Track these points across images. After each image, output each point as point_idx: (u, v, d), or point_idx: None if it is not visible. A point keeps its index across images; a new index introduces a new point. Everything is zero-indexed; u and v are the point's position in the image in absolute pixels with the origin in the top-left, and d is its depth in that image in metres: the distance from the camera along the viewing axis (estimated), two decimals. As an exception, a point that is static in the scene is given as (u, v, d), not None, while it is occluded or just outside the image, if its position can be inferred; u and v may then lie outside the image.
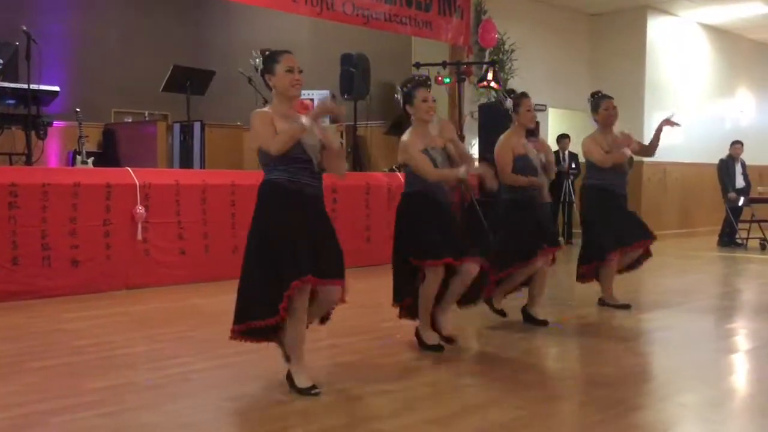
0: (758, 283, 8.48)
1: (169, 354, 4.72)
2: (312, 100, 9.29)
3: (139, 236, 7.13)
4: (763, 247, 11.58)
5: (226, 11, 13.00)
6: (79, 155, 9.12)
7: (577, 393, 4.12)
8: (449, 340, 4.76)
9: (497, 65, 10.95)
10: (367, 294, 6.00)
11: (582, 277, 6.37)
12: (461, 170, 4.55)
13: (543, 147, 5.68)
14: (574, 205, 11.88)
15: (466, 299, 4.83)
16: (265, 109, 3.90)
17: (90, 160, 9.14)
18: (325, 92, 10.69)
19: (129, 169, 7.44)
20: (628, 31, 13.49)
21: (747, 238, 11.81)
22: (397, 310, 4.86)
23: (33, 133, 7.98)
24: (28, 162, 7.91)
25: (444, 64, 10.75)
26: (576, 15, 13.49)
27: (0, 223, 6.38)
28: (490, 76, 10.62)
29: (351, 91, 11.13)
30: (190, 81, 9.08)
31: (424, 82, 4.70)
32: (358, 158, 11.32)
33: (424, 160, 4.57)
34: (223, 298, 6.67)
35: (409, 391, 4.04)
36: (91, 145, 9.98)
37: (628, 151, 6.19)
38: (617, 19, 13.54)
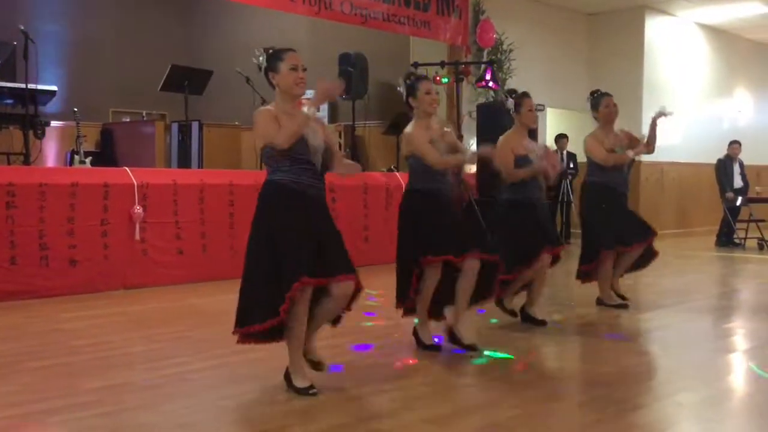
0: (756, 282, 8.49)
1: (167, 354, 4.72)
2: (309, 99, 9.36)
3: (137, 236, 7.13)
4: (761, 247, 11.59)
5: (224, 11, 13.01)
6: (76, 155, 9.12)
7: (575, 392, 4.13)
8: (472, 347, 4.69)
9: (495, 65, 10.95)
10: (364, 294, 5.98)
11: (584, 276, 6.36)
12: (466, 155, 4.55)
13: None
14: (573, 205, 11.89)
15: (479, 295, 4.76)
16: (269, 107, 3.89)
17: (88, 160, 9.13)
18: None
19: (127, 168, 7.44)
20: (626, 31, 13.49)
21: (745, 238, 11.82)
22: (395, 310, 4.85)
23: (31, 132, 7.99)
24: (26, 162, 7.90)
25: (442, 64, 10.75)
26: (574, 15, 13.49)
27: (-3, 223, 6.38)
28: (488, 76, 10.62)
29: (349, 90, 11.12)
30: (188, 81, 9.08)
31: (426, 76, 4.72)
32: (356, 158, 11.31)
33: (430, 148, 4.56)
34: (221, 298, 6.70)
35: (408, 391, 4.04)
36: (88, 145, 9.99)
37: (631, 153, 6.18)
38: (615, 19, 13.55)
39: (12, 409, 3.56)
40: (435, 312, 4.84)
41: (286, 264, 3.66)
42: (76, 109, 9.20)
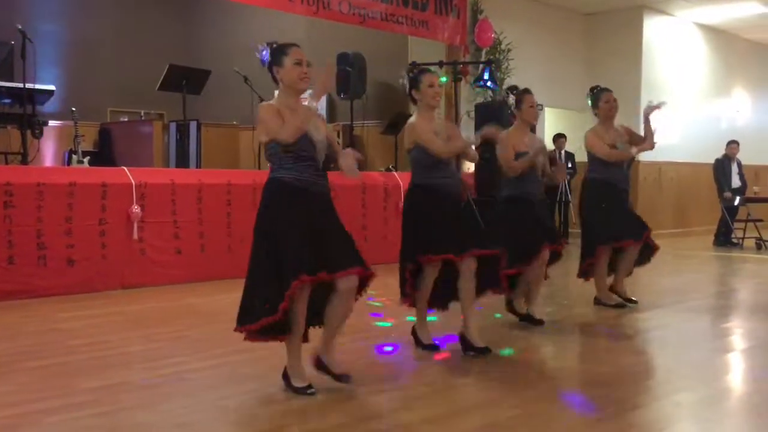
0: (754, 282, 8.49)
1: (165, 353, 4.71)
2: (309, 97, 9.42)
3: (135, 236, 7.12)
4: (758, 247, 11.59)
5: (222, 10, 13.00)
6: (74, 154, 9.11)
7: (573, 392, 4.12)
8: (483, 350, 4.65)
9: (494, 65, 10.95)
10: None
11: (584, 275, 6.35)
12: (470, 139, 4.52)
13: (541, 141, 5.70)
14: (571, 204, 11.88)
15: (484, 288, 4.70)
16: (272, 101, 3.87)
17: (86, 160, 9.13)
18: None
19: (125, 168, 7.43)
20: (624, 30, 13.50)
21: (743, 238, 11.83)
22: (395, 308, 4.83)
23: (29, 132, 7.97)
24: (24, 161, 7.89)
25: (440, 64, 10.74)
26: (572, 15, 13.49)
27: (-5, 223, 6.37)
28: (486, 75, 10.62)
29: (347, 90, 11.12)
30: (186, 80, 9.07)
31: (430, 69, 4.70)
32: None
33: (433, 137, 4.54)
34: (219, 298, 6.71)
35: (406, 391, 4.04)
36: (86, 145, 9.98)
37: (634, 150, 6.15)
38: (613, 18, 13.55)
39: (9, 409, 3.55)
40: (440, 305, 4.83)
41: (286, 262, 3.64)
42: (74, 109, 9.20)
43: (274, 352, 4.10)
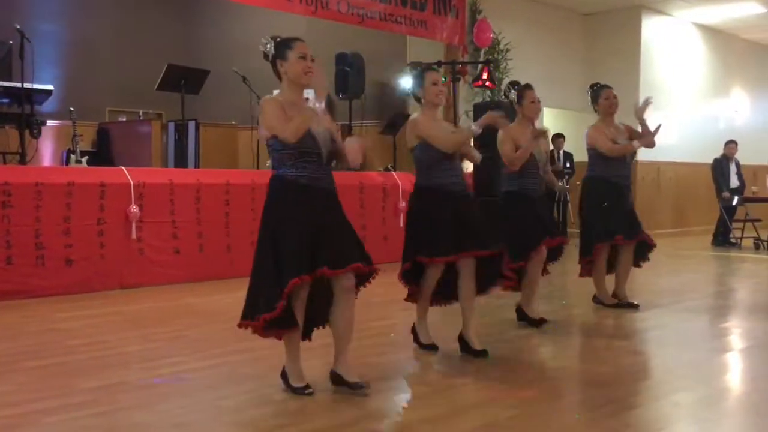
0: (752, 282, 8.50)
1: (163, 353, 4.71)
2: (307, 99, 9.46)
3: (134, 235, 7.12)
4: (757, 247, 11.60)
5: (221, 10, 13.00)
6: (73, 154, 9.10)
7: (571, 392, 4.13)
8: (480, 353, 4.62)
9: (492, 65, 10.96)
10: (360, 293, 5.98)
11: (584, 273, 6.34)
12: (472, 127, 4.51)
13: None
14: (569, 204, 11.88)
15: (485, 285, 4.68)
16: (275, 96, 3.85)
17: (84, 159, 9.11)
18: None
19: (123, 168, 7.43)
20: (622, 30, 13.51)
21: (741, 238, 11.84)
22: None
23: (27, 132, 7.96)
24: (22, 161, 7.88)
25: (439, 64, 10.74)
26: (570, 14, 13.51)
27: (-7, 223, 6.37)
28: (485, 75, 10.63)
29: (346, 90, 11.12)
30: (184, 80, 9.07)
31: (434, 67, 4.67)
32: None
33: (437, 131, 4.51)
34: (218, 298, 6.71)
35: (404, 391, 4.04)
36: (85, 144, 9.96)
37: (636, 143, 6.09)
38: (611, 18, 13.56)
39: (8, 409, 3.55)
40: (440, 302, 4.83)
41: (285, 261, 3.64)
42: (72, 109, 9.18)
43: (273, 352, 4.10)
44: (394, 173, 9.72)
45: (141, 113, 11.84)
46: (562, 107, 12.94)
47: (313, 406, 3.67)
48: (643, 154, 6.70)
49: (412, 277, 4.61)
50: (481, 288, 4.69)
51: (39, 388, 3.92)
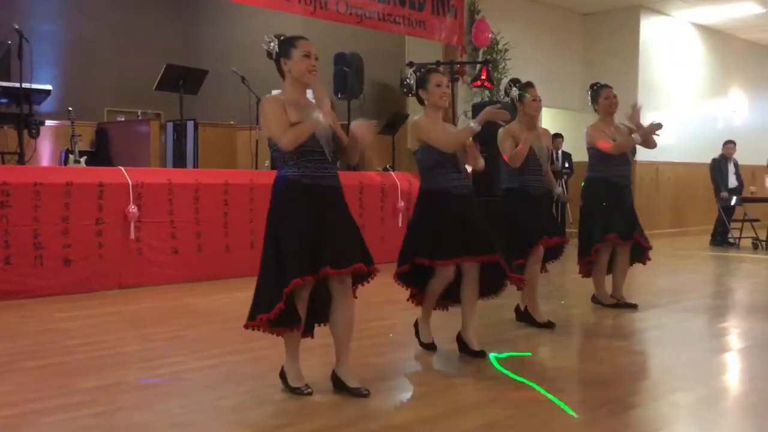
0: (750, 282, 8.50)
1: (162, 353, 4.71)
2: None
3: (132, 235, 7.11)
4: (755, 247, 11.61)
5: (219, 10, 12.99)
6: (71, 154, 9.09)
7: (570, 392, 4.12)
8: (479, 354, 4.63)
9: (491, 65, 10.96)
10: (359, 293, 5.98)
11: (583, 273, 6.34)
12: (471, 124, 4.49)
13: (544, 135, 5.67)
14: (567, 204, 11.88)
15: (488, 289, 4.70)
16: (277, 94, 3.84)
17: (82, 159, 9.10)
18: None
19: (122, 168, 7.42)
20: (621, 30, 13.52)
21: (739, 238, 11.85)
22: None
23: (25, 132, 7.96)
24: (21, 161, 7.87)
25: (437, 64, 10.73)
26: (569, 14, 13.51)
27: (-8, 223, 6.36)
28: (483, 75, 10.63)
29: (344, 90, 11.12)
30: (183, 80, 9.06)
31: (438, 69, 4.66)
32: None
33: (438, 133, 4.49)
34: (216, 298, 6.71)
35: (402, 391, 4.04)
36: (83, 144, 9.94)
37: (638, 138, 6.05)
38: (610, 18, 13.57)
39: (6, 409, 3.55)
40: (442, 306, 4.82)
41: (287, 261, 3.63)
42: (70, 109, 9.17)
43: (272, 352, 4.10)
44: (392, 173, 9.72)
45: (139, 113, 11.83)
46: (561, 107, 12.95)
47: (313, 406, 3.67)
48: (642, 155, 6.69)
49: (411, 279, 4.60)
50: (484, 292, 4.70)
51: (37, 388, 3.92)
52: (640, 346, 5.34)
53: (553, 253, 5.61)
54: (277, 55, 3.79)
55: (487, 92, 11.16)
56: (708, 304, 6.92)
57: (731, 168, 12.22)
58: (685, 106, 14.30)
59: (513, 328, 5.52)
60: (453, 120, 10.53)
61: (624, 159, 6.17)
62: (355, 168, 8.52)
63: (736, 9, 13.41)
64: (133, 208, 7.10)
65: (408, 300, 4.79)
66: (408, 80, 4.62)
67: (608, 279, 6.35)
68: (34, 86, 8.16)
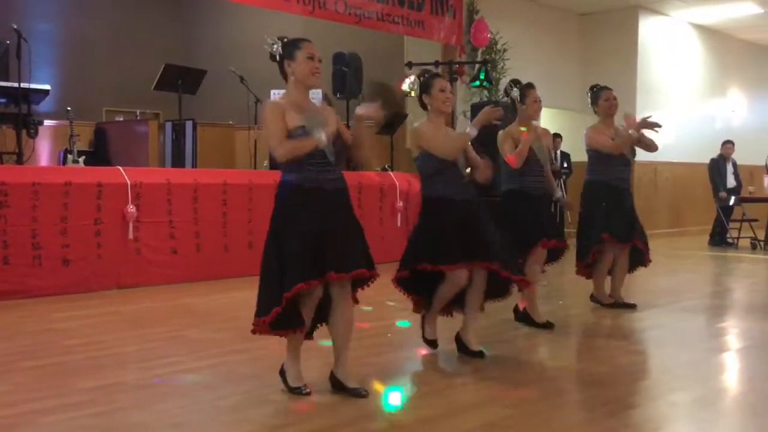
0: (749, 282, 8.51)
1: (160, 353, 4.70)
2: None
3: (131, 235, 7.11)
4: (753, 247, 11.62)
5: (218, 10, 12.99)
6: (70, 154, 9.09)
7: (569, 392, 4.13)
8: (477, 354, 4.62)
9: (489, 65, 10.96)
10: (358, 294, 5.98)
11: (581, 273, 6.33)
12: (468, 129, 4.49)
13: (544, 135, 5.67)
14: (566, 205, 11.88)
15: (494, 294, 4.71)
16: (278, 99, 3.83)
17: (81, 159, 9.10)
18: (318, 92, 10.67)
19: (120, 168, 7.41)
20: (619, 30, 13.52)
21: (738, 238, 11.85)
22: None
23: (24, 131, 7.95)
24: (19, 161, 7.87)
25: (436, 64, 10.75)
26: (567, 15, 13.51)
27: (-10, 223, 6.36)
28: (482, 75, 10.63)
29: (343, 90, 11.11)
30: (181, 80, 9.06)
31: (441, 74, 4.64)
32: (350, 157, 11.29)
33: (438, 139, 4.47)
34: (215, 298, 6.71)
35: (402, 391, 4.04)
36: (82, 144, 9.94)
37: (635, 133, 5.99)
38: (608, 18, 13.57)
39: (5, 409, 3.55)
40: (446, 312, 4.80)
41: (289, 265, 3.62)
42: (69, 108, 9.17)
43: (271, 352, 4.10)
44: (391, 173, 9.72)
45: (138, 113, 11.83)
46: (559, 107, 12.95)
47: (312, 406, 3.67)
48: (641, 155, 6.68)
49: (411, 286, 4.60)
50: (491, 295, 4.70)
51: (36, 388, 3.92)
52: (639, 346, 5.34)
53: (553, 256, 5.61)
54: (280, 57, 3.79)
55: (485, 92, 11.16)
56: (706, 304, 6.93)
57: (730, 168, 12.23)
58: (684, 106, 14.31)
59: (512, 328, 5.52)
60: (452, 119, 10.53)
61: (623, 161, 6.18)
62: (353, 168, 8.51)
63: (735, 9, 13.41)
64: (131, 208, 7.09)
65: (413, 311, 4.77)
66: (409, 82, 4.53)
67: (607, 280, 6.36)
68: (33, 86, 8.16)
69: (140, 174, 7.41)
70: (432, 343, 4.74)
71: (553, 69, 12.79)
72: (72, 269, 6.76)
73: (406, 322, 5.47)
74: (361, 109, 3.88)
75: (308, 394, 3.77)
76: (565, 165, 12.15)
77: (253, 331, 3.77)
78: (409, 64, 10.76)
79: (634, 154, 6.38)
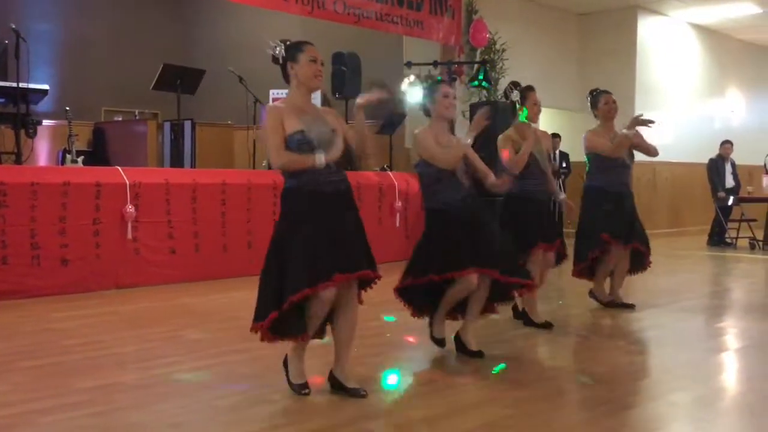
0: (748, 282, 8.51)
1: (159, 353, 4.70)
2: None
3: (129, 235, 7.10)
4: (752, 247, 11.62)
5: (217, 10, 12.99)
6: (68, 154, 9.08)
7: (568, 392, 4.13)
8: (476, 354, 4.62)
9: (488, 65, 10.96)
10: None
11: (577, 274, 6.33)
12: (465, 140, 4.49)
13: (544, 137, 5.67)
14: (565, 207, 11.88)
15: (497, 298, 4.72)
16: (278, 103, 3.83)
17: (80, 159, 9.09)
18: (317, 92, 10.67)
19: (119, 168, 7.41)
20: (618, 30, 13.52)
21: (736, 238, 11.86)
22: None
23: (22, 131, 7.94)
24: (18, 161, 7.86)
25: (435, 64, 10.75)
26: (566, 15, 13.51)
27: (-11, 222, 6.35)
28: (481, 75, 10.63)
29: (342, 90, 11.10)
30: (180, 80, 9.05)
31: (445, 80, 4.65)
32: (349, 157, 11.29)
33: (437, 149, 4.47)
34: (214, 297, 6.70)
35: (401, 391, 4.03)
36: (80, 144, 9.94)
37: (631, 133, 5.97)
38: (607, 18, 13.58)
39: (4, 409, 3.54)
40: (451, 316, 4.79)
41: (288, 273, 3.62)
42: (68, 108, 9.16)
43: (270, 352, 4.10)
44: (390, 173, 9.72)
45: (137, 113, 11.82)
46: (558, 107, 12.95)
47: (311, 405, 3.67)
48: (640, 155, 6.67)
49: (413, 295, 4.60)
50: (495, 299, 4.70)
51: (35, 388, 3.91)
52: (638, 346, 5.34)
53: (556, 260, 5.62)
54: (283, 60, 3.79)
55: (484, 92, 11.16)
56: (705, 304, 6.93)
57: (728, 168, 12.24)
58: (682, 107, 14.31)
59: (511, 328, 5.52)
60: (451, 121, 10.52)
61: (623, 164, 6.19)
62: (352, 168, 8.51)
63: (733, 9, 13.42)
64: (130, 208, 7.09)
65: (412, 315, 4.77)
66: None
67: (606, 281, 6.36)
68: (31, 86, 8.15)
69: (139, 174, 7.41)
70: (440, 342, 4.74)
71: (551, 69, 12.79)
72: (71, 269, 6.75)
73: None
74: (361, 99, 3.88)
75: (307, 394, 3.77)
76: (564, 165, 12.16)
77: (254, 331, 3.76)
78: (408, 64, 10.76)
79: (632, 158, 6.38)
